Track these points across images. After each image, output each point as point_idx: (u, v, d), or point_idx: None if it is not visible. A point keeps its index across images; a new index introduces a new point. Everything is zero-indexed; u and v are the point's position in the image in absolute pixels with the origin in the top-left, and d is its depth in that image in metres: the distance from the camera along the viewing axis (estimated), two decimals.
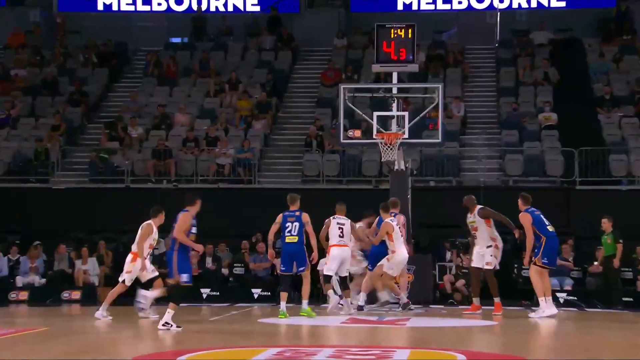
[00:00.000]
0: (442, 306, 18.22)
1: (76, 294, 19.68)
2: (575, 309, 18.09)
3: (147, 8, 31.06)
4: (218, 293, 19.93)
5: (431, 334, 13.14)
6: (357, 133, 19.36)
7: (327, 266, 15.60)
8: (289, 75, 28.42)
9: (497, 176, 23.60)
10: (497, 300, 15.77)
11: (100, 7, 31.16)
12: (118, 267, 14.64)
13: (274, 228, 14.95)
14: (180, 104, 26.15)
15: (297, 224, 14.77)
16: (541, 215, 15.14)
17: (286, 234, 14.82)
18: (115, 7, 31.14)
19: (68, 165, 24.44)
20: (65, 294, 19.62)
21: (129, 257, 14.60)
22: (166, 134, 24.76)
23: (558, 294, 18.96)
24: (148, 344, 11.60)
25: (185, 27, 30.34)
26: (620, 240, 18.43)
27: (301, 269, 14.82)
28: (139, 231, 14.56)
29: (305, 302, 14.98)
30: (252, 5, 31.06)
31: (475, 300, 16.00)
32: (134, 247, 14.62)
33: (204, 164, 23.72)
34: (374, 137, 18.49)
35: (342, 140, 19.43)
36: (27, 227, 21.79)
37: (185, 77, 27.86)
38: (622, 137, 24.07)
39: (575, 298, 19.05)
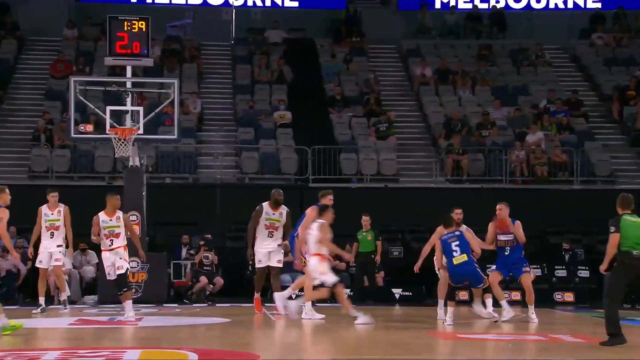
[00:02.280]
0: (176, 305, 18.12)
1: None
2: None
3: None
4: None
5: (164, 333, 13.04)
6: (89, 127, 18.94)
7: None
8: (14, 66, 27.26)
9: (234, 173, 23.84)
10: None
11: None
12: None
13: None
14: None
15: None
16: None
17: None
18: None
19: None
20: None
21: None
22: None
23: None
24: None
25: None
26: (380, 238, 19.13)
27: None
28: None
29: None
30: None
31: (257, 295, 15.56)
32: None
33: None
34: (107, 132, 18.10)
35: (72, 135, 18.91)
36: None
37: None
38: (352, 137, 25.02)
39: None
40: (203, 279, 19.12)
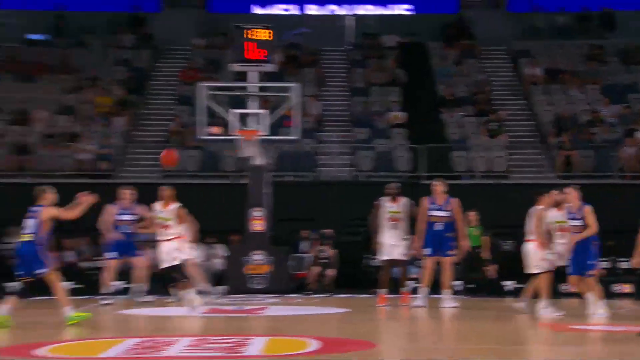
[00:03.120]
0: (298, 295, 18.31)
1: None
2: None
3: (5, 7, 30.05)
4: (81, 285, 19.38)
5: (288, 322, 13.19)
6: (217, 130, 19.28)
7: None
8: (149, 74, 28.00)
9: (350, 171, 23.93)
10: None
11: None
12: None
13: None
14: (39, 100, 25.37)
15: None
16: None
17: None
18: None
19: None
20: None
21: None
22: (25, 130, 23.99)
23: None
24: (5, 336, 11.17)
25: (44, 24, 29.44)
26: (487, 234, 18.96)
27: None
28: None
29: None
30: (113, 4, 30.46)
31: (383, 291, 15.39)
32: None
33: (64, 159, 23.11)
34: (233, 133, 18.43)
35: (202, 137, 19.31)
36: None
37: (45, 73, 27.03)
38: (463, 135, 24.79)
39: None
40: (314, 269, 19.35)
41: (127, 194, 16.05)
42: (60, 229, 20.30)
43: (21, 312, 14.10)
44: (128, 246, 15.95)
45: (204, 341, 10.26)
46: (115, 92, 25.93)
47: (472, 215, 18.78)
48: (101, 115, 25.00)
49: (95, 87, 26.09)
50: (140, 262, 16.08)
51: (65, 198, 22.54)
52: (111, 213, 15.94)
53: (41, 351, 9.23)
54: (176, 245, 13.85)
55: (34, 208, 12.11)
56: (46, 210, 12.10)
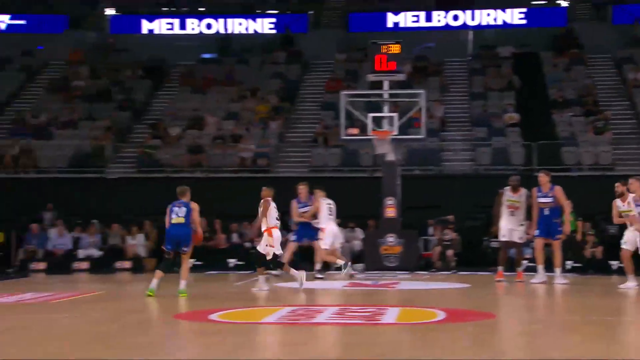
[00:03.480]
0: (425, 272, 18.19)
1: (127, 264, 19.68)
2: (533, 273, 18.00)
3: (183, 32, 31.13)
4: (243, 262, 19.89)
5: (417, 295, 13.12)
6: (355, 131, 19.32)
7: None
8: (299, 84, 28.37)
9: (470, 165, 23.54)
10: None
11: (144, 31, 31.22)
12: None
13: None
14: (210, 108, 26.13)
15: (184, 208, 12.22)
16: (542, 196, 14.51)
17: (172, 216, 12.24)
18: (157, 31, 31.19)
19: (119, 159, 24.41)
20: (117, 264, 19.62)
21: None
22: (199, 133, 24.72)
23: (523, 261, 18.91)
24: (186, 303, 11.58)
25: (213, 45, 30.29)
26: (580, 218, 18.40)
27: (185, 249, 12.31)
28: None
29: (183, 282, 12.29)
30: (269, 28, 31.09)
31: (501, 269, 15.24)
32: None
33: (230, 157, 23.70)
34: (369, 134, 18.45)
35: (343, 137, 19.42)
36: (87, 210, 21.77)
37: (214, 86, 27.80)
38: (572, 133, 23.98)
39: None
40: (437, 249, 19.20)
41: (302, 189, 16.14)
42: (227, 214, 21.00)
43: (195, 284, 14.60)
44: (309, 232, 15.85)
45: (347, 310, 10.33)
46: (271, 101, 26.38)
47: (568, 203, 18.19)
48: (260, 120, 25.49)
49: (254, 97, 26.62)
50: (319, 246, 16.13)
51: (231, 189, 23.25)
52: (295, 206, 16.02)
53: (213, 316, 9.51)
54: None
55: (181, 202, 12.27)
56: (193, 204, 12.34)
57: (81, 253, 20.10)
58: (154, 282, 12.03)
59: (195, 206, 12.37)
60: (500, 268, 14.87)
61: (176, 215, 12.21)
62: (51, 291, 13.31)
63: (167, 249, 12.32)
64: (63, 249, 20.03)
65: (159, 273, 12.15)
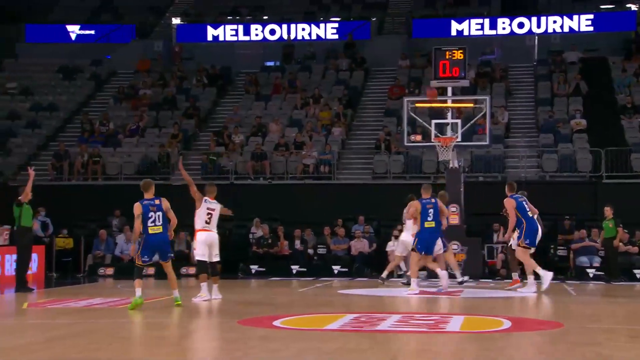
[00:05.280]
0: (490, 280, 17.93)
1: (192, 270, 19.90)
2: (602, 282, 17.62)
3: (247, 38, 31.44)
4: (305, 269, 19.96)
5: (482, 303, 12.94)
6: (418, 137, 19.20)
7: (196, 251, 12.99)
8: (361, 91, 28.34)
9: (536, 172, 23.15)
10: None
11: (209, 37, 31.66)
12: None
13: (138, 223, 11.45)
14: (273, 115, 26.32)
15: (159, 213, 11.55)
16: (524, 202, 14.33)
17: (149, 224, 11.45)
18: (221, 38, 31.58)
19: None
20: (183, 270, 19.86)
21: None
22: (262, 140, 24.91)
23: (588, 270, 18.53)
24: (249, 309, 11.65)
25: (277, 53, 30.52)
26: (620, 225, 17.99)
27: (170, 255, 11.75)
28: None
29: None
30: (332, 34, 31.16)
31: (514, 275, 15.45)
32: None
33: (293, 164, 23.80)
34: (433, 140, 18.32)
35: (405, 143, 19.31)
36: None
37: (277, 93, 27.99)
38: None
39: (603, 273, 18.55)
40: (501, 257, 18.84)
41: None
42: (290, 221, 21.09)
43: (258, 290, 14.69)
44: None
45: (410, 317, 10.26)
46: (333, 108, 26.41)
47: (608, 210, 17.78)
48: (322, 127, 25.55)
49: (317, 104, 26.69)
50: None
51: (294, 196, 23.32)
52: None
53: (277, 323, 9.55)
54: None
55: (154, 203, 11.60)
56: (165, 203, 11.71)
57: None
58: (176, 292, 11.57)
59: (167, 205, 11.61)
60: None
61: (153, 223, 11.39)
62: (118, 296, 13.56)
63: (143, 260, 11.43)
64: (130, 255, 20.38)
65: (138, 282, 11.37)
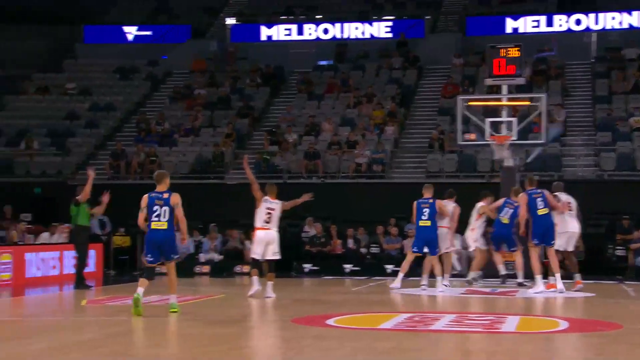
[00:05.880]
0: (546, 280, 17.63)
1: (246, 268, 20.04)
2: None
3: (300, 37, 31.53)
4: (358, 268, 19.94)
5: (538, 304, 12.76)
6: (472, 136, 18.99)
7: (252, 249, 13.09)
8: (414, 90, 28.20)
9: (593, 171, 22.72)
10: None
11: (263, 37, 31.83)
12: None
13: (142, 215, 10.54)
14: (326, 114, 26.36)
15: (166, 208, 10.41)
16: (538, 199, 13.98)
17: (153, 218, 10.44)
18: (275, 37, 31.73)
19: (238, 165, 24.93)
20: (237, 268, 20.02)
21: None
22: (315, 139, 24.97)
23: None
24: (302, 308, 11.69)
25: (330, 52, 30.55)
26: None
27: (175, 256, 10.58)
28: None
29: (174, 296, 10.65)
30: (385, 32, 31.06)
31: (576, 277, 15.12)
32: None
33: (346, 162, 23.81)
34: (487, 139, 18.12)
35: (459, 142, 19.14)
36: (207, 215, 22.33)
37: (330, 92, 28.03)
38: None
39: None
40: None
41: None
42: (343, 220, 21.10)
43: (311, 289, 14.72)
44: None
45: (465, 318, 10.17)
46: (386, 106, 26.33)
47: None
48: (375, 125, 25.50)
49: (370, 103, 26.65)
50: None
51: (347, 195, 23.31)
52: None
53: (330, 321, 9.56)
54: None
55: (161, 196, 10.53)
56: (174, 198, 10.56)
57: (202, 257, 20.63)
58: (173, 297, 10.49)
59: (177, 200, 10.41)
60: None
61: (157, 218, 10.35)
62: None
63: (148, 261, 10.50)
64: (185, 253, 20.64)
65: (143, 281, 10.39)
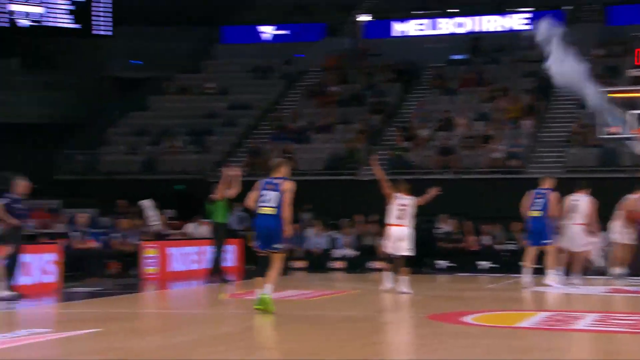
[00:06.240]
0: None
1: (379, 264, 20.05)
2: None
3: (434, 32, 31.24)
4: (493, 265, 19.52)
5: None
6: (615, 129, 18.25)
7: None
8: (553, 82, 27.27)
9: None
10: None
11: (396, 33, 31.77)
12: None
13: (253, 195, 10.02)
14: (460, 109, 25.99)
15: (275, 193, 9.89)
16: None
17: (260, 203, 9.91)
18: (408, 33, 31.60)
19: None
20: (370, 264, 20.05)
21: None
22: (449, 134, 24.67)
23: None
24: (438, 305, 11.59)
25: (464, 46, 30.09)
26: None
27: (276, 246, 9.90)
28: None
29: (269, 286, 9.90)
30: (522, 24, 30.27)
31: None
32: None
33: (480, 158, 23.38)
34: (630, 132, 17.33)
35: (601, 136, 18.42)
36: (340, 210, 22.38)
37: (465, 87, 27.59)
38: None
39: None
40: None
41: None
42: (478, 216, 20.73)
43: (447, 286, 14.58)
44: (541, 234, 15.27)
45: (609, 317, 9.78)
46: (523, 100, 25.67)
47: None
48: (511, 119, 24.91)
49: (505, 96, 26.06)
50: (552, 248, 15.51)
51: (482, 191, 22.87)
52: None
53: (466, 319, 9.43)
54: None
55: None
56: (287, 184, 10.05)
57: (337, 252, 20.80)
58: (259, 292, 9.89)
59: (288, 186, 9.86)
60: None
61: (264, 203, 9.81)
62: (309, 289, 13.95)
63: (258, 247, 9.90)
64: (320, 248, 20.89)
65: (258, 281, 9.98)
